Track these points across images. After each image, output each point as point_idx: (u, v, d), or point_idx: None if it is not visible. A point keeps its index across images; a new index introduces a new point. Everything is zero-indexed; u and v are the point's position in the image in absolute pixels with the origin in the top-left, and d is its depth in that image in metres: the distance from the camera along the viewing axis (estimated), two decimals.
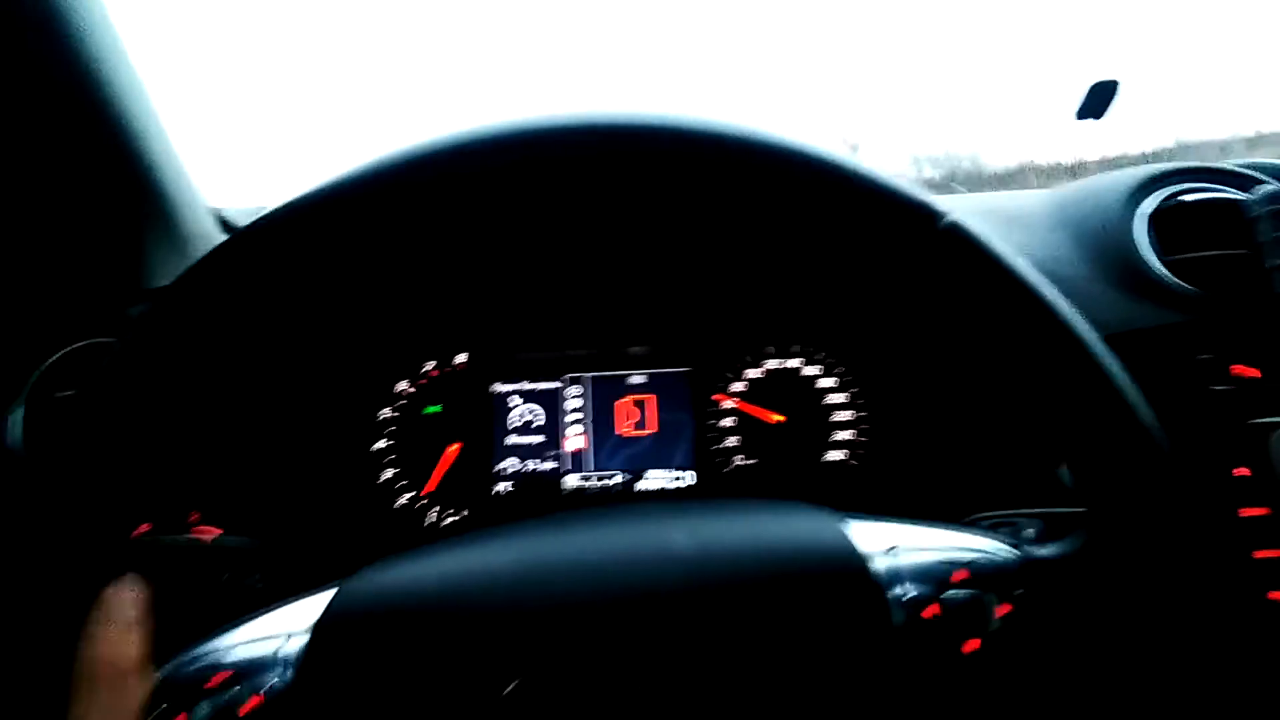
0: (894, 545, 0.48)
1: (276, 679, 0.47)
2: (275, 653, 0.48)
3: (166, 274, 0.88)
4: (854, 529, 0.49)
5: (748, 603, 0.47)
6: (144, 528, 0.75)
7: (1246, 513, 0.66)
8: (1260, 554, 0.65)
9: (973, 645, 0.46)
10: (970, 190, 1.14)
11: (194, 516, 0.77)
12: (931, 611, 0.46)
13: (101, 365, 0.51)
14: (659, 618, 0.47)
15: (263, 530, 0.78)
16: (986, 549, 0.48)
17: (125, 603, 0.47)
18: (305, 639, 0.48)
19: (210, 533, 0.76)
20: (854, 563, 0.47)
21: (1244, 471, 0.67)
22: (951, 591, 0.46)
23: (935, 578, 0.47)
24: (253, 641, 0.49)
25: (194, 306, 0.56)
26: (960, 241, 0.48)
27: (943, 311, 0.53)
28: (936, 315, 0.55)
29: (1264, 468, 0.67)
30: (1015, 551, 0.48)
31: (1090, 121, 1.07)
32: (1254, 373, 0.70)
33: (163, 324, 0.55)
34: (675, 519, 0.52)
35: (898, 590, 0.46)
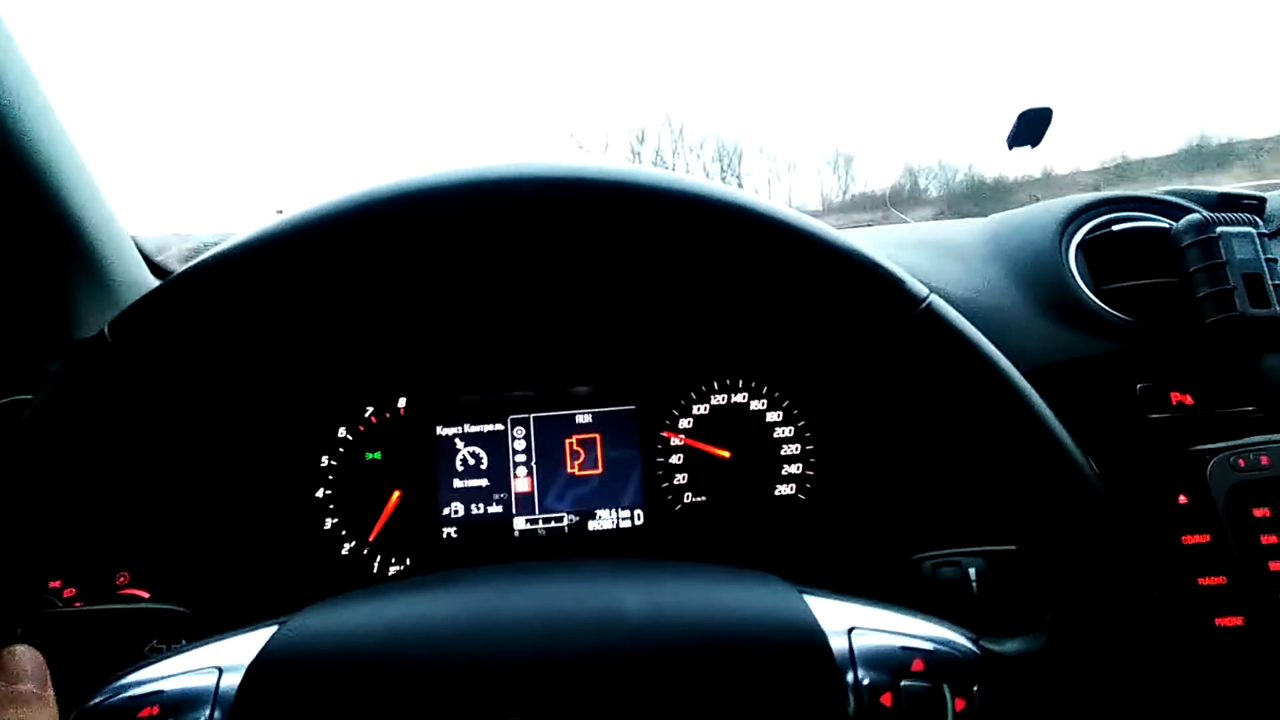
0: (853, 625, 0.47)
1: (205, 717, 0.45)
2: (207, 688, 0.46)
3: (95, 324, 0.85)
4: (814, 604, 0.48)
5: (698, 673, 0.45)
6: (68, 593, 0.73)
7: (1189, 540, 0.67)
8: (1204, 581, 0.66)
9: None
10: (949, 207, 1.14)
11: (122, 579, 0.74)
12: (888, 700, 0.45)
13: (17, 421, 0.49)
14: (605, 683, 0.45)
15: (196, 590, 0.76)
16: (946, 639, 0.47)
17: (24, 668, 0.44)
18: (239, 677, 0.46)
19: (139, 595, 0.73)
20: (815, 641, 0.46)
21: (1185, 499, 0.68)
22: (908, 681, 0.45)
23: (893, 665, 0.45)
24: (185, 674, 0.47)
25: (118, 358, 0.54)
26: (937, 324, 0.49)
27: (900, 376, 0.53)
28: (891, 374, 0.55)
29: (1203, 495, 0.67)
30: (974, 646, 0.47)
31: (1026, 150, 1.09)
32: (1186, 399, 0.71)
33: (83, 377, 0.53)
34: (628, 578, 0.51)
35: (854, 675, 0.45)
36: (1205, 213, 0.73)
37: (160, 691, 0.46)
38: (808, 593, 0.49)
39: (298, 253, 0.55)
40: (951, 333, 0.49)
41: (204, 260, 0.53)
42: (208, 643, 0.49)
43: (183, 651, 0.49)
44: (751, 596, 0.49)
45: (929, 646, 0.47)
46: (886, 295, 0.49)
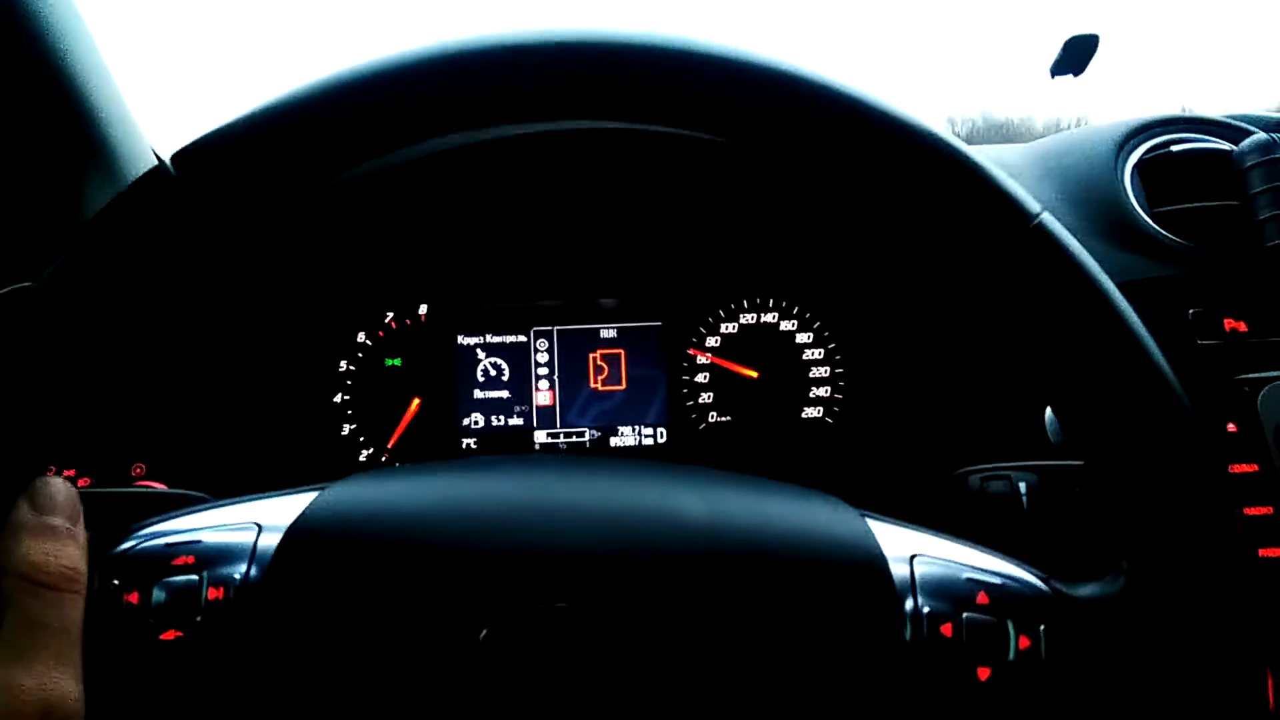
0: (916, 552, 0.45)
1: (242, 573, 0.43)
2: (245, 543, 0.44)
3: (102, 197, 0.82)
4: (876, 528, 0.46)
5: (755, 584, 0.43)
6: (83, 482, 0.71)
7: (1236, 469, 0.65)
8: (1250, 510, 0.64)
9: (985, 674, 0.43)
10: None
11: (137, 469, 0.72)
12: (948, 630, 0.43)
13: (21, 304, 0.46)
14: (658, 581, 0.43)
15: (211, 487, 0.74)
16: (1014, 575, 0.45)
17: (55, 498, 0.42)
18: (279, 536, 0.44)
19: (154, 486, 0.72)
20: (875, 563, 0.44)
21: (1234, 427, 0.66)
22: (971, 613, 0.43)
23: (956, 595, 0.43)
24: (221, 528, 0.45)
25: (123, 240, 0.51)
26: (1048, 242, 0.46)
27: (994, 290, 0.50)
28: (980, 289, 0.52)
29: (1251, 424, 0.66)
30: (1044, 585, 0.45)
31: (1069, 78, 1.06)
32: (1242, 326, 0.69)
33: (87, 259, 0.51)
34: (689, 483, 0.49)
35: (914, 602, 0.43)
36: (1271, 134, 0.71)
37: (198, 542, 0.44)
38: (870, 517, 0.47)
39: (314, 130, 0.51)
40: (1061, 252, 0.46)
41: (210, 133, 0.50)
42: (247, 500, 0.48)
43: (219, 507, 0.47)
44: (813, 514, 0.47)
45: (996, 580, 0.45)
46: (999, 210, 0.46)
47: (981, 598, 0.43)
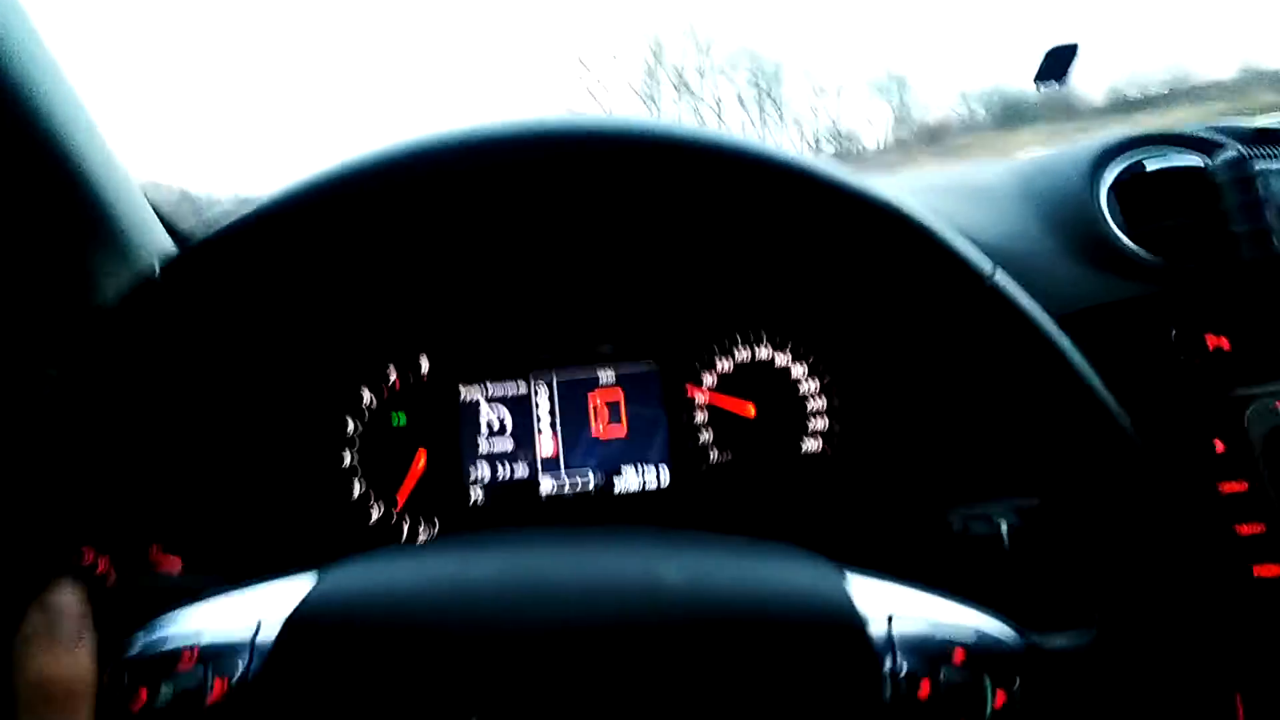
0: (894, 611, 0.46)
1: (243, 667, 0.45)
2: (245, 638, 0.46)
3: (114, 288, 0.85)
4: (855, 585, 0.47)
5: (736, 650, 0.44)
6: (102, 561, 0.74)
7: (1226, 488, 0.65)
8: (1242, 529, 0.64)
9: None
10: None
11: (155, 548, 0.75)
12: (925, 689, 0.44)
13: (42, 390, 0.49)
14: (638, 652, 0.45)
15: (229, 563, 0.76)
16: (989, 630, 0.46)
17: (65, 611, 0.45)
18: (278, 628, 0.46)
19: (174, 563, 0.74)
20: (853, 625, 0.45)
21: (1221, 446, 0.66)
22: (948, 672, 0.44)
23: (933, 654, 0.44)
24: (223, 623, 0.48)
25: (140, 325, 0.54)
26: (1000, 301, 0.50)
27: (950, 342, 0.53)
28: (938, 340, 0.54)
29: (1240, 441, 0.66)
30: (1019, 637, 0.46)
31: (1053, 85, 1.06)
32: (1224, 343, 0.69)
33: (107, 345, 0.54)
34: (667, 549, 0.50)
35: (892, 663, 0.44)
36: (1242, 148, 0.71)
37: (201, 638, 0.47)
38: (850, 571, 0.48)
39: (339, 206, 0.56)
40: (1013, 310, 0.48)
41: (224, 228, 0.53)
42: (247, 588, 0.50)
43: (222, 599, 0.50)
44: (792, 574, 0.48)
45: (971, 636, 0.45)
46: (953, 270, 0.49)
47: (958, 655, 0.44)
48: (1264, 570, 0.63)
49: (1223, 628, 0.63)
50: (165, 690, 0.45)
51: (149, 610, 0.51)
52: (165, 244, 0.91)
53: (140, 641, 0.48)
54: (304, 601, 0.47)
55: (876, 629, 0.45)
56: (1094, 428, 0.46)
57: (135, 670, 0.46)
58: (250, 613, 0.48)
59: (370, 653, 0.45)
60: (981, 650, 0.45)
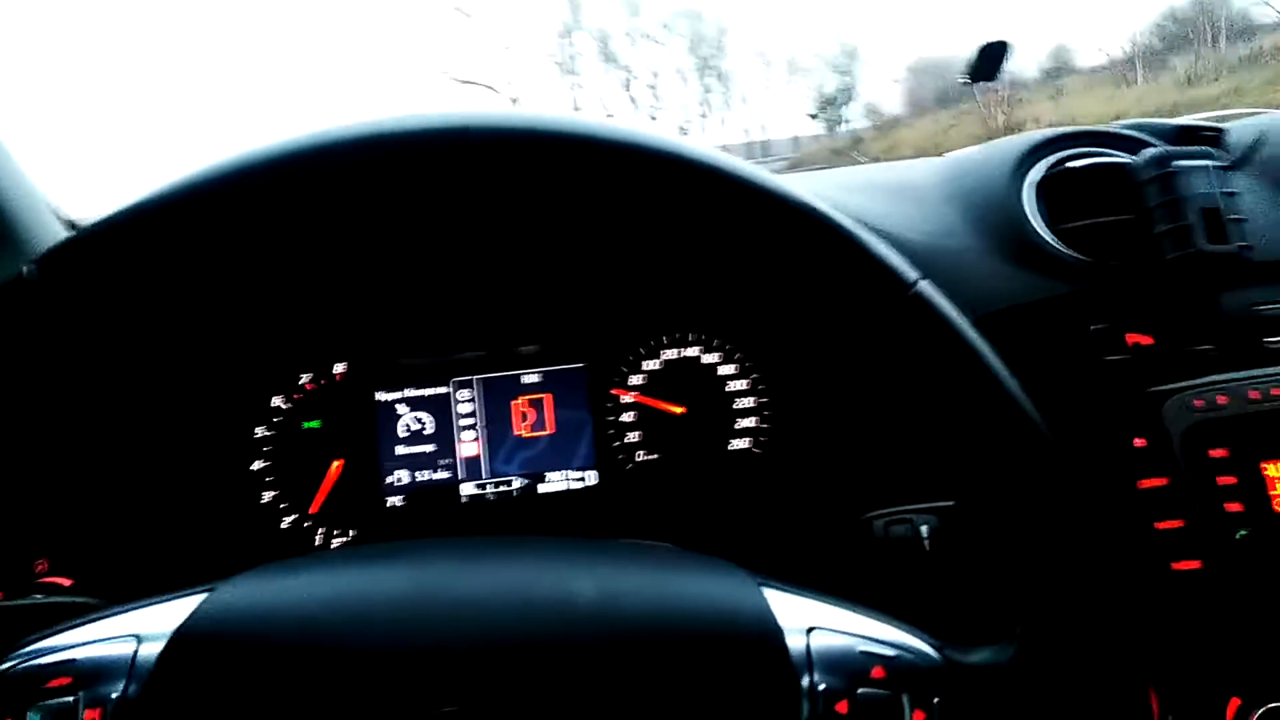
0: (813, 625, 0.44)
1: (120, 690, 0.42)
2: (123, 658, 0.43)
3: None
4: (773, 599, 0.45)
5: (650, 666, 0.43)
6: None
7: (1145, 484, 0.65)
8: (1160, 525, 0.64)
9: None
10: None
11: (41, 565, 0.70)
12: (843, 707, 0.42)
13: None
14: (550, 672, 0.43)
15: (123, 576, 0.72)
16: (908, 646, 0.45)
17: None
18: (160, 646, 0.43)
19: (61, 583, 0.69)
20: (771, 641, 0.43)
21: (1141, 442, 0.66)
22: (866, 689, 0.42)
23: (851, 670, 0.43)
24: (100, 642, 0.44)
25: (42, 297, 0.50)
26: (923, 309, 0.49)
27: (874, 347, 0.52)
28: (862, 344, 0.54)
29: (1159, 437, 0.66)
30: (937, 655, 0.45)
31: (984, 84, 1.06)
32: (1147, 340, 0.69)
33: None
34: (582, 562, 0.48)
35: (809, 679, 0.42)
36: (1163, 146, 0.71)
37: (72, 660, 0.43)
38: (768, 586, 0.46)
39: (229, 200, 0.52)
40: (936, 318, 0.48)
41: (137, 201, 0.49)
42: (127, 609, 0.46)
43: (101, 618, 0.46)
44: (709, 588, 0.47)
45: (890, 652, 0.44)
46: (877, 278, 0.48)
47: (877, 671, 0.43)
48: (1181, 565, 0.64)
49: (1139, 623, 0.63)
50: (32, 716, 0.42)
51: (28, 631, 0.47)
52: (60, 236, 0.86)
53: (11, 660, 0.44)
54: (190, 618, 0.44)
55: (795, 644, 0.43)
56: (1008, 430, 0.45)
57: (3, 692, 0.42)
58: (130, 630, 0.44)
59: (261, 673, 0.43)
60: (900, 667, 0.43)
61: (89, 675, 0.43)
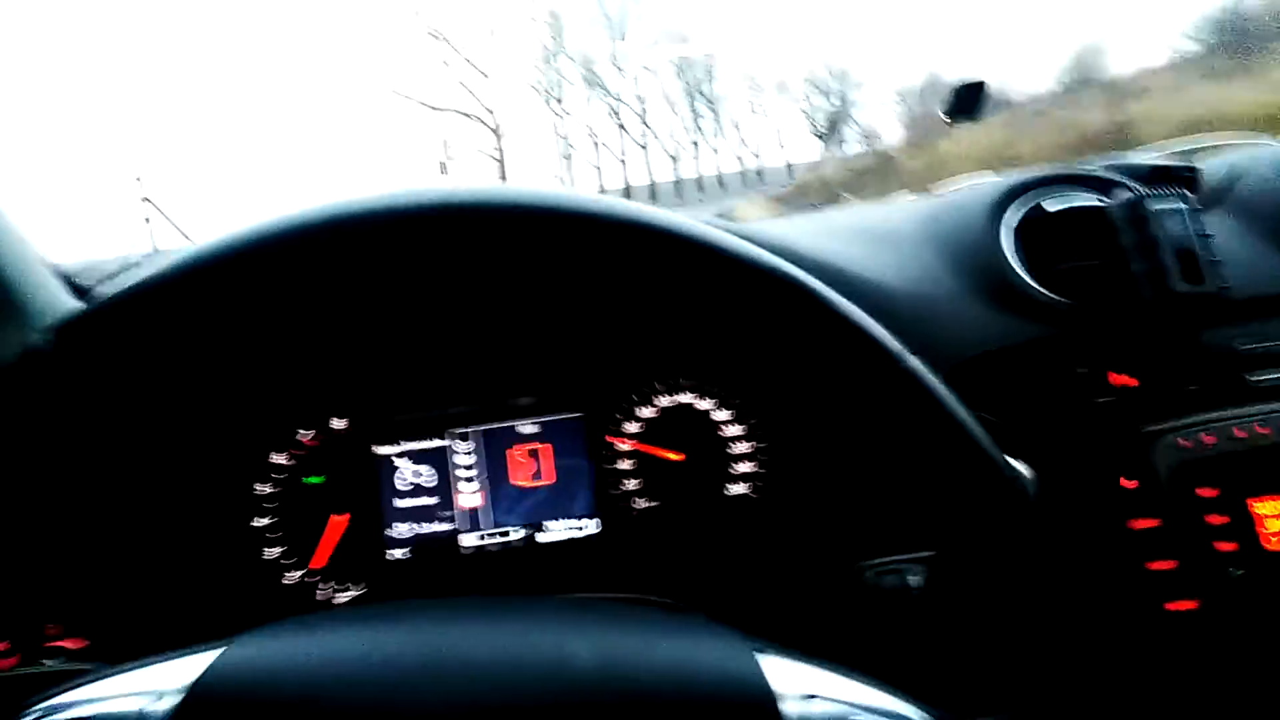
0: (811, 693, 0.44)
1: None
2: (137, 714, 0.43)
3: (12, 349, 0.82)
4: (768, 664, 0.46)
5: None
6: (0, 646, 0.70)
7: (1136, 524, 0.65)
8: (1153, 565, 0.65)
9: None
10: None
11: (53, 629, 0.71)
12: None
13: None
14: None
15: (134, 636, 0.73)
16: (907, 718, 0.45)
17: None
18: (174, 702, 0.43)
19: (76, 644, 0.71)
20: (766, 705, 0.43)
21: (1130, 483, 0.66)
22: None
23: None
24: (114, 699, 0.45)
25: (58, 367, 0.52)
26: (912, 384, 0.52)
27: (857, 410, 0.54)
28: (833, 394, 0.55)
29: (1148, 477, 0.66)
30: None
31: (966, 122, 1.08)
32: (1131, 381, 0.70)
33: (18, 388, 0.51)
34: (579, 624, 0.49)
35: None
36: (1138, 188, 0.72)
37: (91, 717, 0.44)
38: (764, 651, 0.47)
39: (240, 270, 0.56)
40: (923, 392, 0.50)
41: (151, 275, 0.52)
42: (140, 665, 0.47)
43: (114, 674, 0.47)
44: (705, 652, 0.47)
45: None
46: (865, 352, 0.50)
47: None
48: (1176, 605, 0.63)
49: (1135, 665, 0.63)
50: None
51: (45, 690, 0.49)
52: (69, 303, 0.88)
53: (29, 715, 0.45)
54: (204, 674, 0.45)
55: (792, 708, 0.44)
56: (982, 484, 0.46)
57: None
58: (144, 688, 0.45)
59: None
60: None
61: None
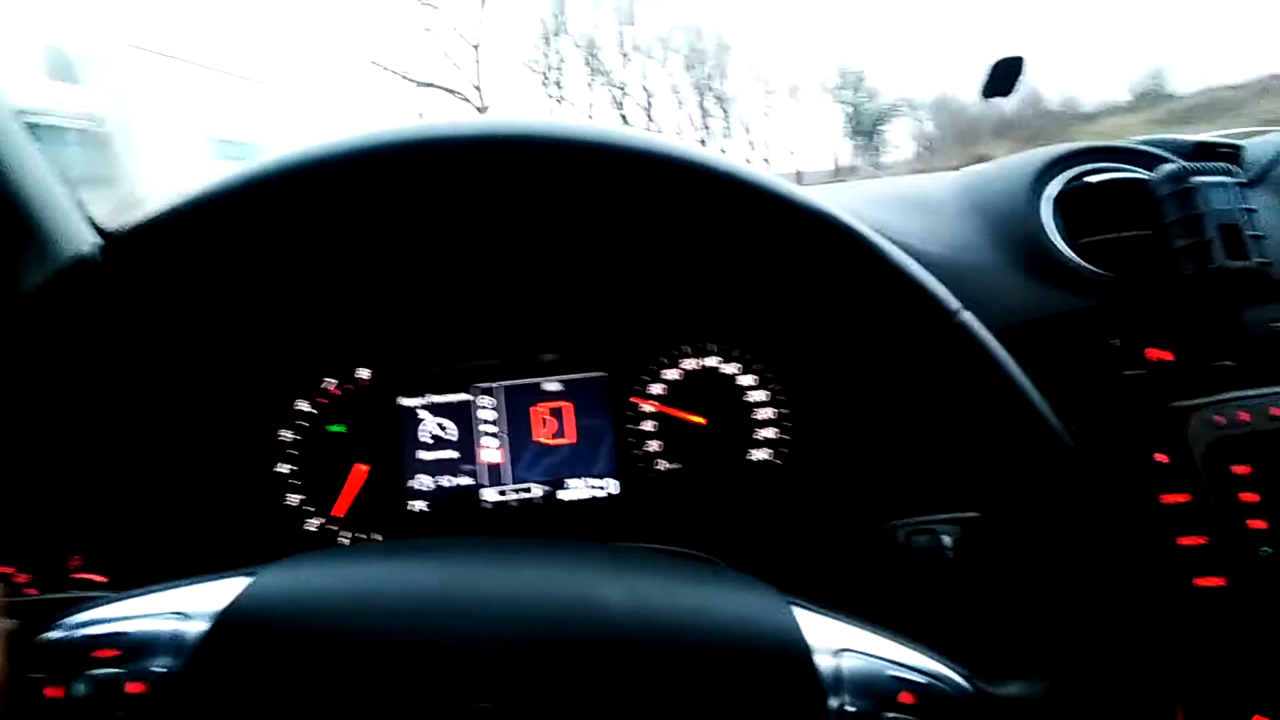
0: (844, 647, 0.44)
1: (165, 664, 0.43)
2: (169, 634, 0.44)
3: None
4: (803, 618, 0.46)
5: (678, 676, 0.43)
6: (22, 579, 0.70)
7: (1168, 499, 0.65)
8: (1183, 541, 0.64)
9: None
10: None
11: (74, 562, 0.71)
12: None
13: None
14: (578, 673, 0.43)
15: (152, 573, 0.73)
16: (939, 675, 0.45)
17: None
18: (205, 625, 0.44)
19: (94, 580, 0.71)
20: (800, 656, 0.44)
21: (1163, 458, 0.66)
22: (893, 713, 0.42)
23: (880, 694, 0.43)
24: (147, 617, 0.45)
25: (58, 318, 0.51)
26: (964, 338, 0.52)
27: (908, 369, 0.54)
28: (895, 364, 0.55)
29: (1181, 453, 0.66)
30: (968, 685, 0.45)
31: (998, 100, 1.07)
32: (1167, 355, 0.69)
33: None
34: (614, 568, 0.49)
35: (837, 700, 0.42)
36: (1181, 162, 0.71)
37: (121, 634, 0.44)
38: (798, 605, 0.47)
39: (248, 211, 0.54)
40: (976, 346, 0.49)
41: (198, 193, 0.52)
42: (173, 587, 0.47)
43: (147, 594, 0.47)
44: (741, 603, 0.47)
45: (920, 679, 0.44)
46: (919, 306, 0.49)
47: (905, 697, 0.43)
48: (1204, 581, 0.63)
49: (1163, 639, 0.63)
50: (78, 686, 0.43)
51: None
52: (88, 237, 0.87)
53: (58, 629, 0.45)
54: (236, 599, 0.45)
55: (824, 665, 0.44)
56: (1036, 446, 0.46)
57: (50, 661, 0.44)
58: (176, 608, 0.46)
59: (300, 656, 0.44)
60: (930, 694, 0.44)
61: (135, 649, 0.44)
